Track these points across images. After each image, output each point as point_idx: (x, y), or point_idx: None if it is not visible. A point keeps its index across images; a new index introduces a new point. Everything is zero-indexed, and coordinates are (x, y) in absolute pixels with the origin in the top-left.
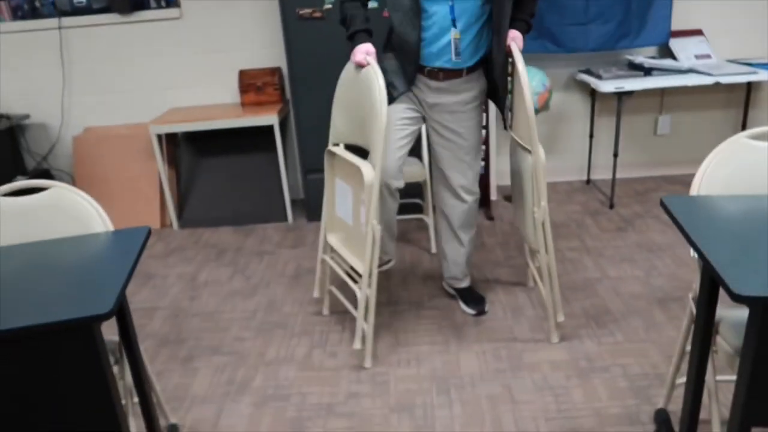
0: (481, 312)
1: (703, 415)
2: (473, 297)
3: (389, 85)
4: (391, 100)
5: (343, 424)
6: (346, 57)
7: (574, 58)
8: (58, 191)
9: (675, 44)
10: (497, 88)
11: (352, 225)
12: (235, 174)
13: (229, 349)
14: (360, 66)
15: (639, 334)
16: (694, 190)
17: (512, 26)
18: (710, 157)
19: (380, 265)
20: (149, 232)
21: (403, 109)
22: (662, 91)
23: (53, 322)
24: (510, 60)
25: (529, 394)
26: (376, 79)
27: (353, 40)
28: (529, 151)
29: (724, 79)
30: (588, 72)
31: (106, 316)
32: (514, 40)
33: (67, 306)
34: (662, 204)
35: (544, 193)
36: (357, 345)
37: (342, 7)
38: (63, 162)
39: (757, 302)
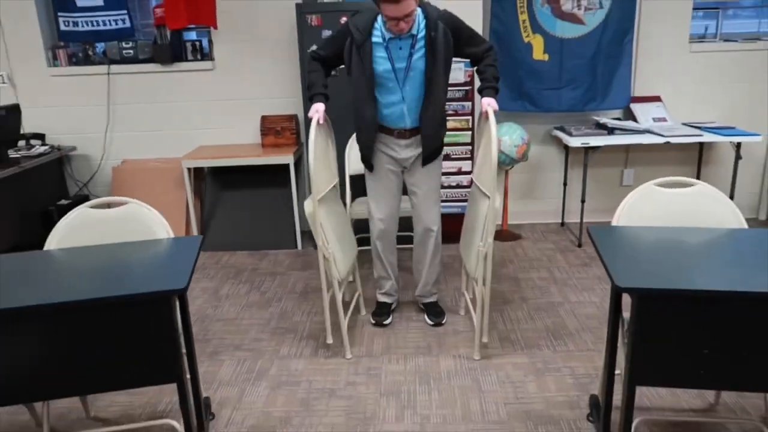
0: (438, 324)
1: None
2: (436, 311)
3: (365, 153)
4: (370, 165)
5: (343, 403)
6: (350, 108)
7: (550, 117)
8: (134, 207)
9: (636, 108)
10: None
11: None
12: (253, 205)
13: (248, 346)
14: (311, 118)
15: (588, 345)
16: (614, 222)
17: (483, 94)
18: (627, 197)
19: (387, 312)
20: (203, 239)
21: (388, 169)
22: (627, 148)
23: (146, 293)
24: (478, 120)
25: (494, 386)
26: (311, 131)
27: (311, 101)
28: (488, 196)
29: (674, 140)
30: (561, 129)
31: (182, 290)
32: (489, 105)
33: (151, 284)
34: (588, 231)
35: (491, 232)
36: (329, 338)
37: (308, 74)
38: (101, 190)
39: (634, 291)
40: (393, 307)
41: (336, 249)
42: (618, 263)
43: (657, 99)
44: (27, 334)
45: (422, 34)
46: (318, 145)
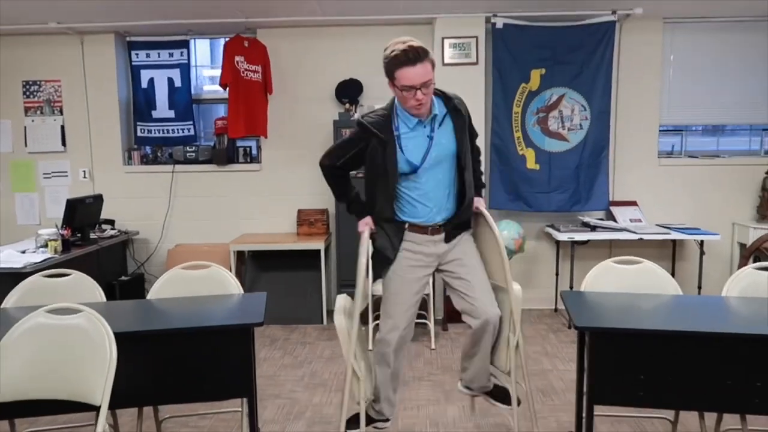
0: (519, 402)
1: None
2: (500, 392)
3: (384, 251)
4: (388, 261)
5: None
6: None
7: (543, 217)
8: (216, 269)
9: (616, 211)
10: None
11: None
12: (286, 285)
13: (286, 396)
14: (361, 233)
15: (571, 400)
16: (582, 288)
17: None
18: (591, 270)
19: (380, 421)
20: (266, 296)
21: (418, 270)
22: (610, 244)
23: (234, 324)
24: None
25: (492, 428)
26: (363, 243)
27: (357, 215)
28: (505, 289)
29: (646, 236)
30: (552, 227)
31: (259, 324)
32: (480, 204)
33: (235, 320)
34: (562, 296)
35: (518, 321)
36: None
37: (335, 186)
38: (156, 269)
39: (587, 329)
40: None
41: (363, 367)
42: (579, 313)
43: (634, 203)
44: (144, 354)
45: (443, 111)
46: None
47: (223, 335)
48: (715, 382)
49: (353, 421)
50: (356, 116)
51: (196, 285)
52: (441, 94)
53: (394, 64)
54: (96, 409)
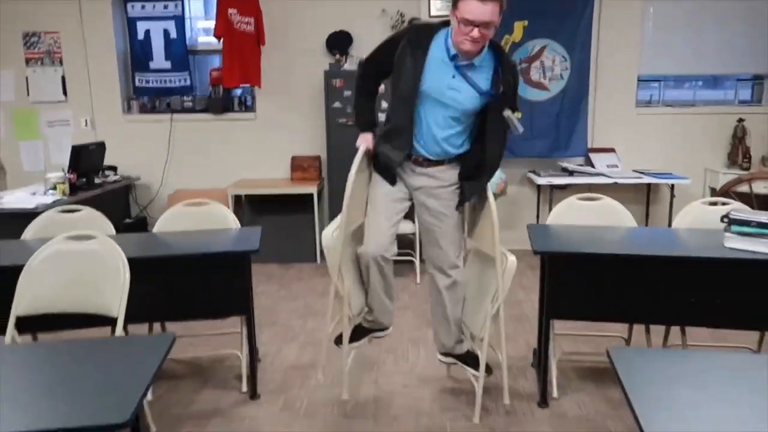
0: (490, 371)
1: None
2: (474, 359)
3: (388, 160)
4: (392, 176)
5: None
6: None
7: (527, 162)
8: (215, 205)
9: (594, 157)
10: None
11: None
12: (282, 227)
13: (282, 324)
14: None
15: None
16: (548, 221)
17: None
18: (556, 207)
19: (378, 330)
20: (261, 230)
21: (395, 191)
22: (589, 187)
23: (233, 251)
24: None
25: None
26: (355, 159)
27: (359, 127)
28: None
29: (620, 180)
30: (534, 172)
31: (255, 251)
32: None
33: (234, 247)
34: (528, 227)
35: (503, 292)
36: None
37: (357, 95)
38: (157, 212)
39: (544, 254)
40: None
41: (353, 287)
42: (541, 241)
43: (612, 150)
44: (153, 277)
45: (491, 65)
46: (357, 179)
47: (224, 261)
48: (656, 299)
49: (351, 338)
50: (346, 66)
51: (197, 220)
52: (499, 51)
53: None
54: (113, 321)
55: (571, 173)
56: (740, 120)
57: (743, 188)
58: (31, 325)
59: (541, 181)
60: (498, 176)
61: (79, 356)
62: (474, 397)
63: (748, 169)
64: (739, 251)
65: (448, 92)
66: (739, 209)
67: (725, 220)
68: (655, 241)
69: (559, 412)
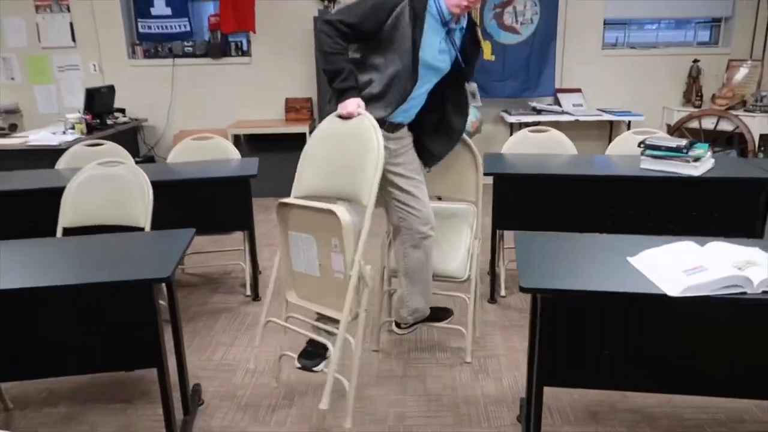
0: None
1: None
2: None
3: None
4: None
5: None
6: None
7: (501, 102)
8: (218, 139)
9: (561, 97)
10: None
11: (320, 276)
12: (277, 163)
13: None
14: (349, 117)
15: None
16: (503, 151)
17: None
18: (511, 138)
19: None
20: (258, 161)
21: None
22: (557, 124)
23: (234, 176)
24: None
25: None
26: (373, 129)
27: (344, 94)
28: (473, 203)
29: (582, 118)
30: (506, 111)
31: (254, 176)
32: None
33: (235, 173)
34: (483, 156)
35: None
36: (324, 405)
37: (329, 58)
38: (163, 151)
39: (490, 174)
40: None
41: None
42: (492, 166)
43: (578, 91)
44: (168, 198)
45: (461, 28)
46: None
47: (228, 184)
48: (584, 211)
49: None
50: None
51: (203, 152)
52: (469, 14)
53: None
54: (141, 229)
55: (539, 112)
56: (695, 61)
57: (694, 124)
58: (73, 235)
59: (512, 119)
60: (473, 115)
61: (122, 242)
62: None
63: (699, 106)
64: (651, 171)
65: (440, 56)
66: (655, 137)
67: (641, 145)
68: (586, 164)
69: (504, 304)
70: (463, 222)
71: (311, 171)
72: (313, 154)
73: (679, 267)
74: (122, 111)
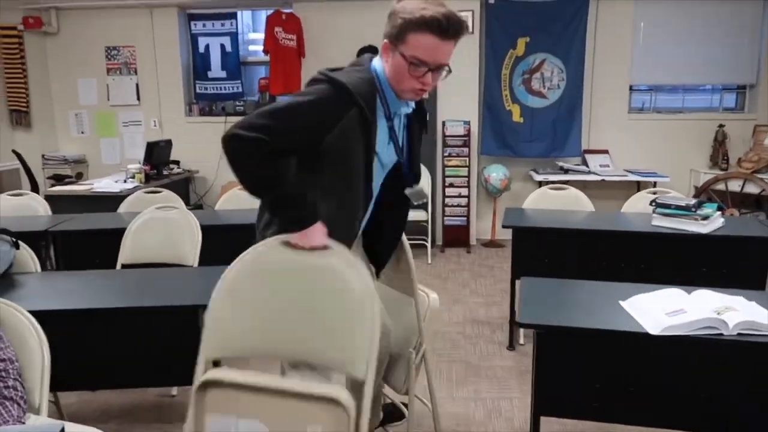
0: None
1: None
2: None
3: None
4: None
5: None
6: None
7: (530, 162)
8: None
9: (589, 157)
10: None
11: None
12: None
13: None
14: (313, 249)
15: None
16: (524, 205)
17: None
18: (531, 194)
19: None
20: None
21: None
22: (584, 185)
23: None
24: None
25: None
26: (357, 272)
27: (302, 220)
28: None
29: (608, 178)
30: (534, 170)
31: None
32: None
33: None
34: (505, 210)
35: (426, 331)
36: None
37: (264, 183)
38: (211, 201)
39: (509, 227)
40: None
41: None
42: (511, 219)
43: (605, 152)
44: (214, 240)
45: (409, 110)
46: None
47: None
48: (597, 263)
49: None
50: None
51: (248, 202)
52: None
53: (415, 25)
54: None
55: (566, 171)
56: (720, 125)
57: (720, 186)
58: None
59: (539, 177)
60: (502, 173)
61: (173, 275)
62: None
63: (726, 169)
64: (661, 227)
65: (389, 158)
66: (666, 197)
67: (653, 204)
68: (597, 220)
69: (522, 351)
70: (404, 324)
71: (246, 320)
72: (248, 298)
73: (663, 310)
74: (177, 163)
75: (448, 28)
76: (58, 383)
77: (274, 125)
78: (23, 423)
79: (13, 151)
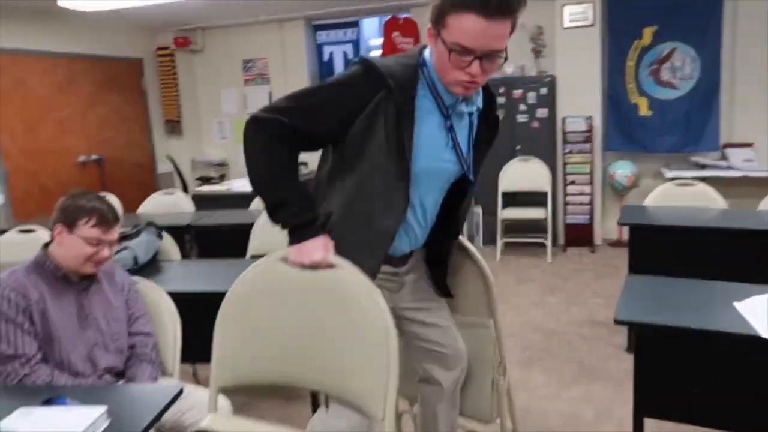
0: None
1: None
2: None
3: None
4: None
5: None
6: None
7: (660, 158)
8: None
9: (730, 151)
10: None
11: None
12: None
13: None
14: (313, 267)
15: None
16: (646, 202)
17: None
18: (654, 190)
19: None
20: None
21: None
22: (722, 180)
23: None
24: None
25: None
26: (366, 289)
27: (299, 232)
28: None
29: (752, 174)
30: (666, 166)
31: None
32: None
33: None
34: (623, 207)
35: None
36: None
37: (267, 179)
38: None
39: (626, 224)
40: None
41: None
42: (631, 217)
43: (749, 145)
44: None
45: (481, 107)
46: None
47: None
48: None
49: None
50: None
51: None
52: (487, 93)
53: (454, 4)
54: None
55: (702, 167)
56: None
57: None
58: None
59: (671, 174)
60: (629, 170)
61: None
62: None
63: None
64: None
65: (445, 166)
66: None
67: None
68: (724, 217)
69: None
70: (480, 349)
71: (255, 348)
72: (253, 323)
73: None
74: (305, 164)
75: (495, 3)
76: (194, 355)
77: (294, 105)
78: (156, 382)
79: (167, 156)
